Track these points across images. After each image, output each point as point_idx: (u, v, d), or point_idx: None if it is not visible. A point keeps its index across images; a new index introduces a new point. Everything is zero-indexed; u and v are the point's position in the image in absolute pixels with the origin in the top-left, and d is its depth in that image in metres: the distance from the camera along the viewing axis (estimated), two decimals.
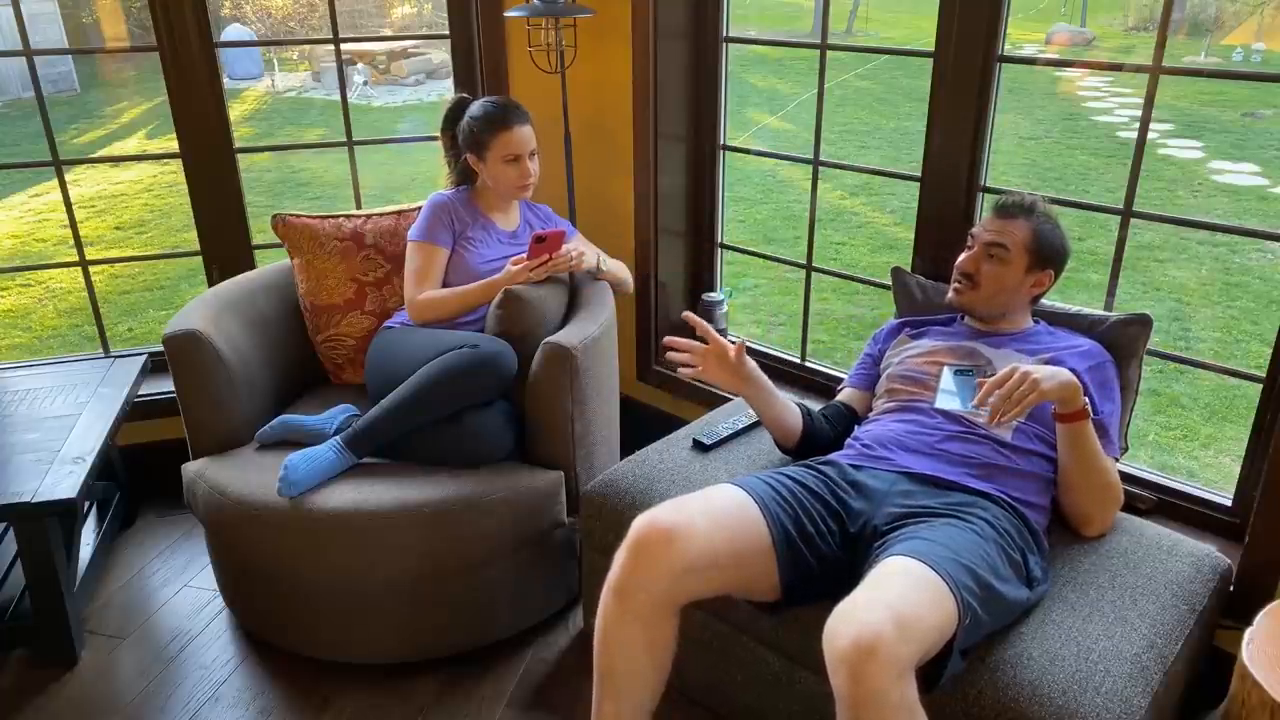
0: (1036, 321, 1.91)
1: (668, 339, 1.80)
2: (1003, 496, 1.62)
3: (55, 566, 2.01)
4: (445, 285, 2.23)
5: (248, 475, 1.99)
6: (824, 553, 1.58)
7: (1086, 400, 1.59)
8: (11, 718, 1.96)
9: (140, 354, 2.56)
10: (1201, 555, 1.69)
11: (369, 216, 2.41)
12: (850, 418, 1.95)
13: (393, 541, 1.89)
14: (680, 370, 1.77)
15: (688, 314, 1.79)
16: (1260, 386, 1.86)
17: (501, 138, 2.19)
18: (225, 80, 2.64)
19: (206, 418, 2.10)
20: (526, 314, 2.10)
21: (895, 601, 1.27)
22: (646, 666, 1.50)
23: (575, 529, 2.13)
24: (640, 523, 1.48)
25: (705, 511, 1.52)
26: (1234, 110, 9.58)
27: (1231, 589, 1.76)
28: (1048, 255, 1.83)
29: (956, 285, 1.87)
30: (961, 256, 1.87)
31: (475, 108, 2.24)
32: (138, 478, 2.66)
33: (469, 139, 2.23)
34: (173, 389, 2.11)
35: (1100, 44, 14.32)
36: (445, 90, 10.76)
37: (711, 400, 2.56)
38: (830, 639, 1.25)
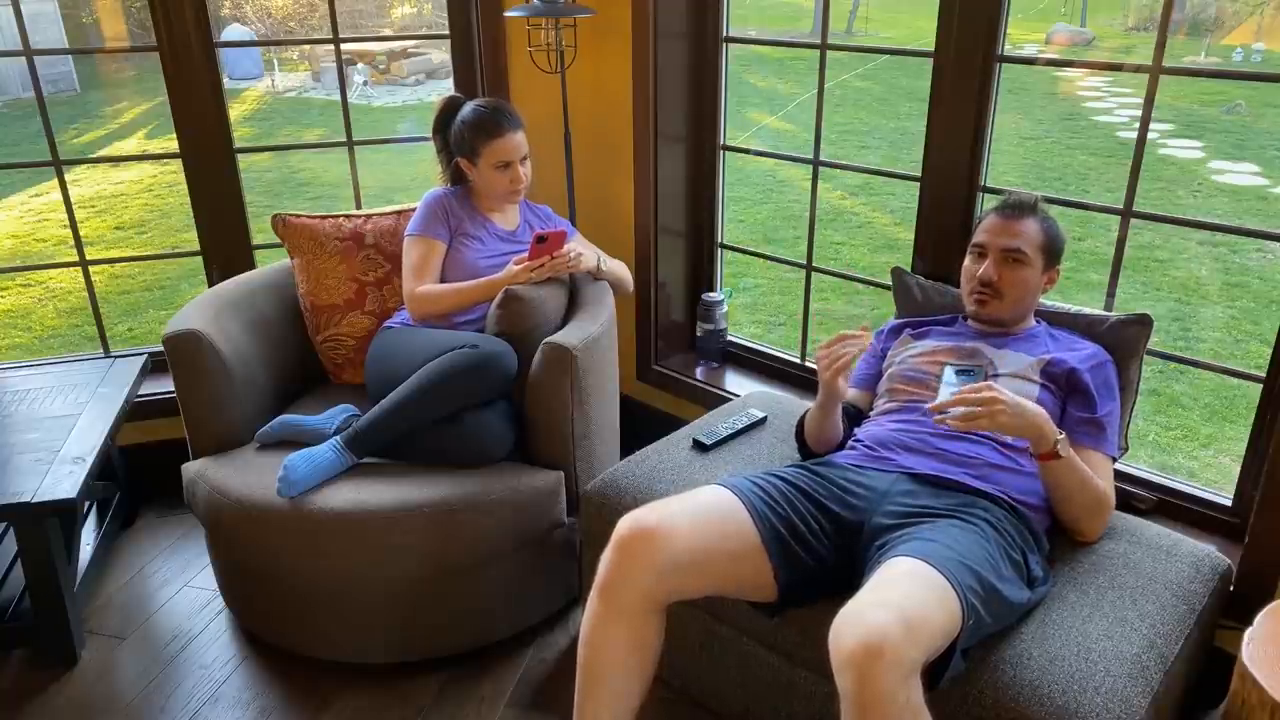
0: (1038, 322, 1.90)
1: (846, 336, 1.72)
2: (1003, 497, 1.62)
3: (55, 566, 2.01)
4: (444, 282, 2.23)
5: (248, 475, 1.99)
6: (819, 552, 1.58)
7: (1060, 439, 1.57)
8: (11, 718, 1.96)
9: (140, 354, 2.56)
10: (1201, 555, 1.69)
11: (369, 216, 2.41)
12: (857, 420, 1.94)
13: (393, 541, 1.89)
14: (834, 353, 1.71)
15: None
16: (1260, 386, 1.86)
17: (492, 145, 2.18)
18: (225, 80, 2.64)
19: (206, 418, 2.10)
20: (526, 314, 2.09)
21: (902, 603, 1.27)
22: (630, 666, 1.51)
23: (575, 529, 2.13)
24: (624, 523, 1.50)
25: (688, 510, 1.52)
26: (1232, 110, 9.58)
27: (1231, 589, 1.76)
28: (1057, 251, 1.83)
29: (979, 296, 1.83)
30: (978, 267, 1.82)
31: (467, 111, 2.22)
32: (138, 478, 2.66)
33: (460, 144, 2.23)
34: (173, 389, 2.11)
35: (1100, 44, 14.32)
36: (446, 90, 10.72)
37: (711, 400, 2.56)
38: (836, 640, 1.25)
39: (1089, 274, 5.43)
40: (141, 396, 2.55)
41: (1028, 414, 1.54)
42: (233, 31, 12.41)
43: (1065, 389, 1.75)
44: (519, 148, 2.21)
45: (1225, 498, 1.95)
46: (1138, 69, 1.94)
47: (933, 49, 2.08)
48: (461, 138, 2.22)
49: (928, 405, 1.62)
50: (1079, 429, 1.72)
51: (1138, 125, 1.92)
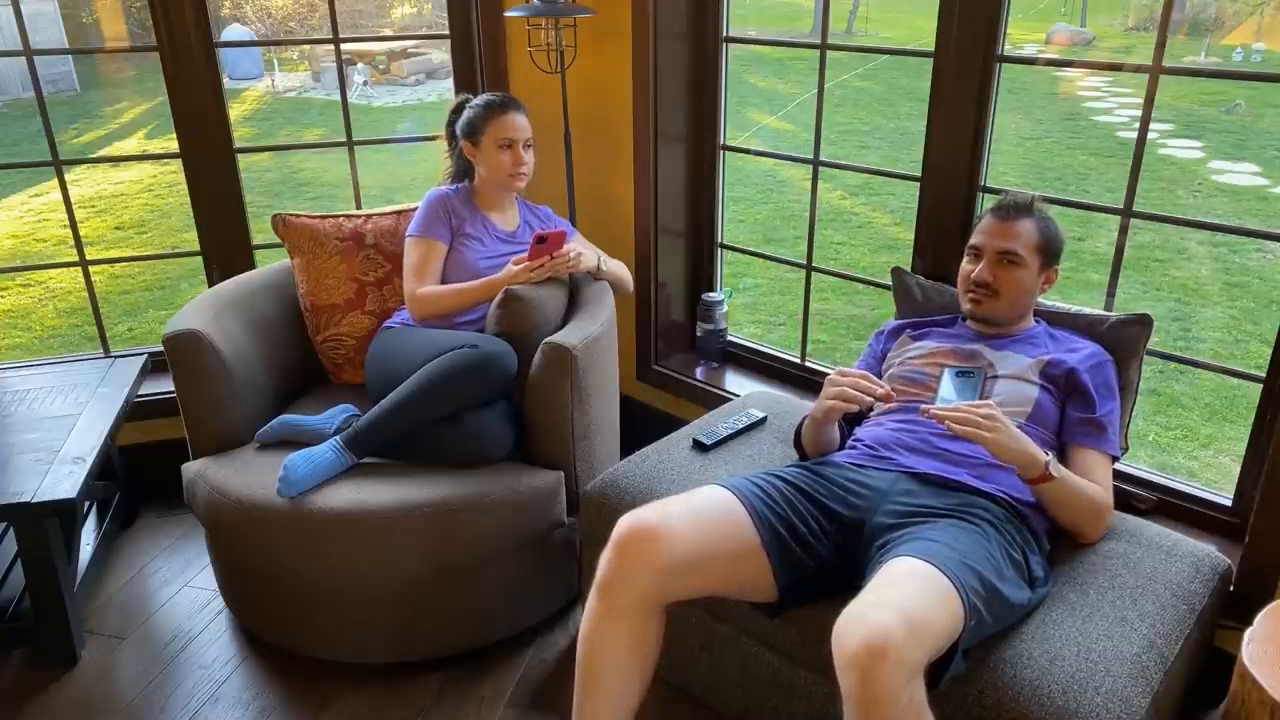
0: (1038, 322, 1.90)
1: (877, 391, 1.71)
2: (1004, 497, 1.62)
3: (55, 566, 2.01)
4: (444, 282, 2.23)
5: (248, 475, 1.99)
6: (819, 552, 1.57)
7: (1050, 460, 1.58)
8: (11, 718, 1.96)
9: (140, 354, 2.56)
10: (1201, 555, 1.69)
11: (369, 216, 2.41)
12: (857, 420, 1.94)
13: (393, 541, 1.89)
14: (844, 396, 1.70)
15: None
16: (1260, 386, 1.86)
17: (496, 121, 2.21)
18: (225, 80, 2.64)
19: (206, 418, 2.10)
20: (527, 314, 2.10)
21: (905, 603, 1.27)
22: (629, 666, 1.51)
23: (575, 529, 2.13)
24: (624, 523, 1.49)
25: (688, 512, 1.52)
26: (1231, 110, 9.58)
27: (1231, 589, 1.76)
28: (1055, 251, 1.83)
29: (974, 296, 1.83)
30: (974, 268, 1.82)
31: (475, 99, 2.28)
32: (138, 478, 2.66)
33: (465, 126, 2.25)
34: (173, 389, 2.11)
35: (1100, 44, 14.32)
36: (445, 90, 10.76)
37: (711, 400, 2.56)
38: (840, 641, 1.25)
39: (1089, 274, 5.43)
40: (141, 396, 2.55)
41: (1019, 442, 1.56)
42: (233, 31, 12.41)
43: (1065, 389, 1.75)
44: (522, 129, 2.23)
45: (1225, 498, 1.95)
46: (1138, 69, 1.94)
47: (933, 49, 2.08)
48: (467, 121, 2.25)
49: (924, 408, 1.62)
50: (1079, 429, 1.72)
51: (1138, 125, 1.92)
